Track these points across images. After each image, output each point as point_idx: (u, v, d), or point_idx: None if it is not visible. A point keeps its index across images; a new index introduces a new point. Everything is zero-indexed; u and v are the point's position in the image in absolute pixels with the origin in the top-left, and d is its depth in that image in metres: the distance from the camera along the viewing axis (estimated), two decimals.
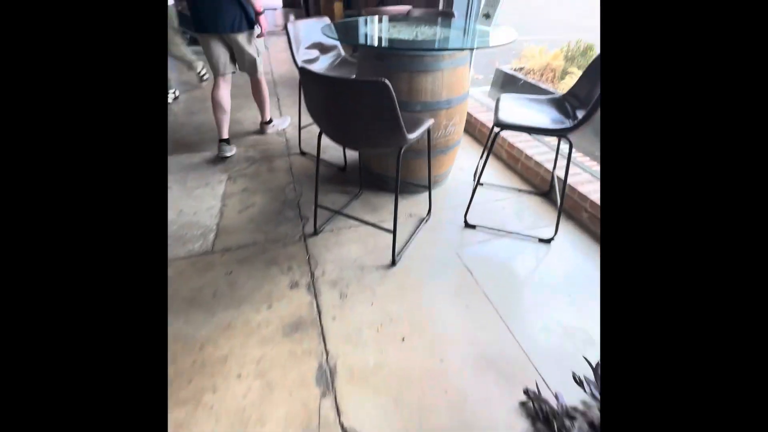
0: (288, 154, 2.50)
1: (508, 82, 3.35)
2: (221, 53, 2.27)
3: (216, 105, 2.39)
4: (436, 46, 1.64)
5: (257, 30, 2.27)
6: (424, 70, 1.65)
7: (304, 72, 1.20)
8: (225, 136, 2.46)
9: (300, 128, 2.50)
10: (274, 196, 2.06)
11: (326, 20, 2.30)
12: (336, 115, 1.26)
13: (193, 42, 5.46)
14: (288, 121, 2.90)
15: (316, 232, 1.78)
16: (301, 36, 2.16)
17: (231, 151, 2.46)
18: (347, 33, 1.86)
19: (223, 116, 2.43)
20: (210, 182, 2.18)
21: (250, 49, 2.30)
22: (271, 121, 2.78)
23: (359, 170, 2.16)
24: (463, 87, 1.81)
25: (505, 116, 1.56)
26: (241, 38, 2.23)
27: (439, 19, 2.30)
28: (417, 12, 2.63)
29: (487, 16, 1.85)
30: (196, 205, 1.98)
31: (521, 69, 3.32)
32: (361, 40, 1.71)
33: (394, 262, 1.60)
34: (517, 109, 1.67)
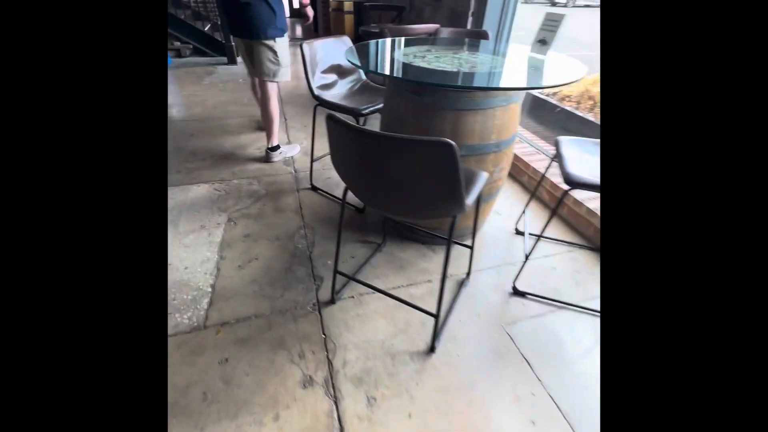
0: (297, 189, 2.18)
1: (539, 108, 3.07)
2: (246, 56, 2.32)
3: (255, 97, 2.60)
4: (496, 84, 1.33)
5: (285, 36, 2.18)
6: (473, 109, 1.34)
7: (333, 121, 0.89)
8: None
9: (312, 160, 2.19)
10: (282, 245, 1.74)
11: (346, 40, 2.01)
12: (374, 177, 0.95)
13: (195, 52, 5.20)
14: (297, 149, 2.60)
15: (333, 300, 1.45)
16: (318, 58, 1.87)
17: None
18: (375, 60, 1.56)
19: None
20: (206, 225, 1.86)
21: (268, 60, 2.17)
22: (278, 147, 2.47)
23: (383, 217, 1.84)
24: (514, 127, 1.51)
25: (577, 170, 1.25)
26: (262, 46, 2.12)
27: (475, 43, 2.01)
28: (446, 32, 2.34)
29: (543, 42, 1.56)
30: (189, 256, 1.66)
31: (554, 94, 3.04)
32: (397, 71, 1.40)
33: (432, 348, 1.28)
34: (586, 158, 1.36)
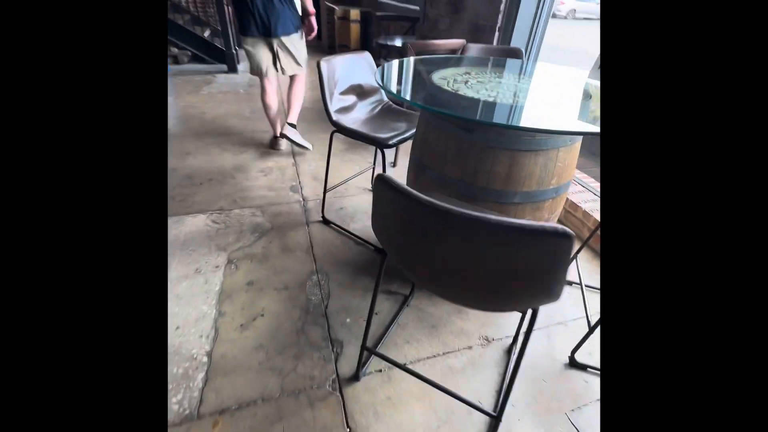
0: (306, 222, 1.93)
1: None
2: (266, 56, 2.33)
3: (266, 107, 2.52)
4: (574, 125, 1.09)
5: (300, 32, 2.36)
6: (534, 150, 1.11)
7: (386, 186, 0.64)
8: (278, 133, 2.58)
9: (325, 190, 1.94)
10: (291, 297, 1.48)
11: (366, 56, 1.77)
12: (442, 262, 0.70)
13: (193, 59, 4.95)
14: (309, 148, 2.60)
15: (357, 376, 1.19)
16: (337, 77, 1.63)
17: (283, 146, 2.63)
18: (410, 87, 1.32)
19: (274, 115, 2.55)
20: (202, 268, 1.60)
21: (297, 52, 2.38)
22: (294, 126, 2.54)
23: None
24: (574, 168, 1.27)
25: None
26: (290, 40, 2.30)
27: (513, 64, 1.79)
28: (474, 49, 2.12)
29: None
30: (181, 311, 1.39)
31: None
32: (445, 104, 1.17)
33: None
34: None
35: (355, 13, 5.38)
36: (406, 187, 0.62)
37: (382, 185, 0.65)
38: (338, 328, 1.36)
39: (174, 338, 1.28)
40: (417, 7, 3.85)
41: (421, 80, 1.37)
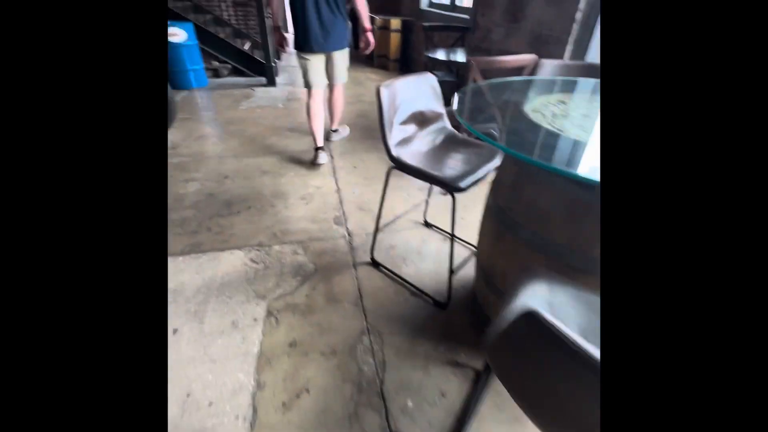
0: (353, 264, 1.71)
1: None
2: (320, 69, 2.41)
3: (311, 116, 2.49)
4: None
5: (359, 45, 2.61)
6: None
7: (544, 332, 0.40)
8: (320, 144, 2.59)
9: (376, 229, 1.72)
10: (341, 366, 1.25)
11: (429, 78, 1.54)
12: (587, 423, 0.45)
13: (233, 72, 4.94)
14: (347, 131, 3.11)
15: None
16: (398, 103, 1.40)
17: (324, 159, 2.59)
18: (511, 132, 1.07)
19: (319, 125, 2.53)
20: (239, 321, 1.41)
21: (345, 64, 2.52)
22: (337, 130, 2.98)
23: (477, 317, 1.32)
24: None
25: None
26: (344, 53, 2.45)
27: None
28: (548, 65, 1.84)
29: None
30: (215, 380, 1.20)
31: None
32: (567, 163, 0.91)
33: None
34: None
35: (395, 23, 5.19)
36: (579, 342, 0.37)
37: (534, 329, 0.41)
38: (398, 415, 1.11)
39: (207, 418, 1.09)
40: (467, 16, 3.58)
41: (513, 116, 1.11)
